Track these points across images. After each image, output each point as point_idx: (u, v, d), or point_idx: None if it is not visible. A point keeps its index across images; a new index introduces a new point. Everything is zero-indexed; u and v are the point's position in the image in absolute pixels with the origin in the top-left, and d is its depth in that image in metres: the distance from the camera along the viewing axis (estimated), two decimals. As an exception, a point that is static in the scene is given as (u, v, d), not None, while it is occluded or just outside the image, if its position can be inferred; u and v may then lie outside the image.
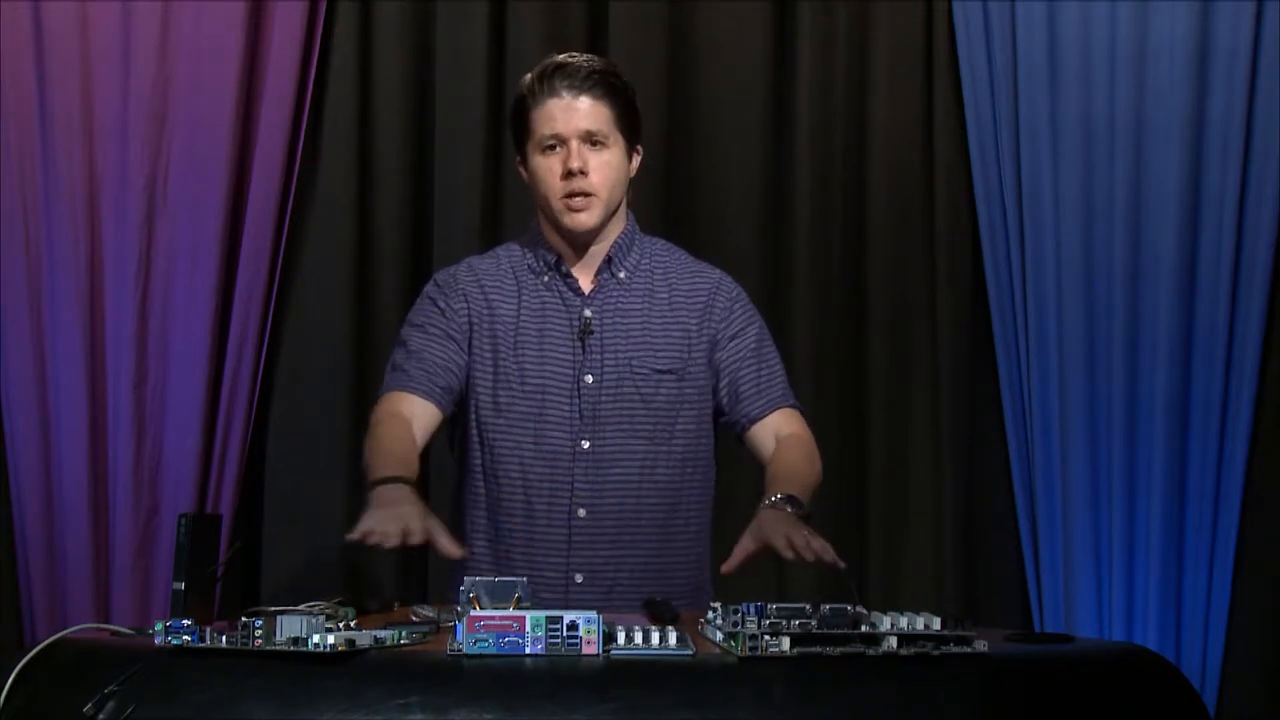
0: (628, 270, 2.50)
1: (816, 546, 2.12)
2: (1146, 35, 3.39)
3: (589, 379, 2.43)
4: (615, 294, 2.49)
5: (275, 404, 3.37)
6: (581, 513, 2.41)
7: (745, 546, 2.17)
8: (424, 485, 2.45)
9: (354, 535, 2.12)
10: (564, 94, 2.42)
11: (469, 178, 3.41)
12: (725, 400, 2.51)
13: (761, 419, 2.50)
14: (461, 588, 1.90)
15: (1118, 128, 3.39)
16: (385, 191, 3.42)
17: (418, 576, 3.39)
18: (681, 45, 3.50)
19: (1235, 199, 3.36)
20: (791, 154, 3.48)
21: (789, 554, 2.12)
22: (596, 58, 2.51)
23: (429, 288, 2.55)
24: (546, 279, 2.50)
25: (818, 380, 3.46)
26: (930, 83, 3.51)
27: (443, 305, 2.50)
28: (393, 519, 2.12)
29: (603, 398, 2.43)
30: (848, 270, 3.51)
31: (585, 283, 2.49)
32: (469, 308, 2.49)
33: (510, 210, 3.40)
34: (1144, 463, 3.37)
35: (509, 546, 2.42)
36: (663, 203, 3.42)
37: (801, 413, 2.56)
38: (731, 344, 2.51)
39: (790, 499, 2.28)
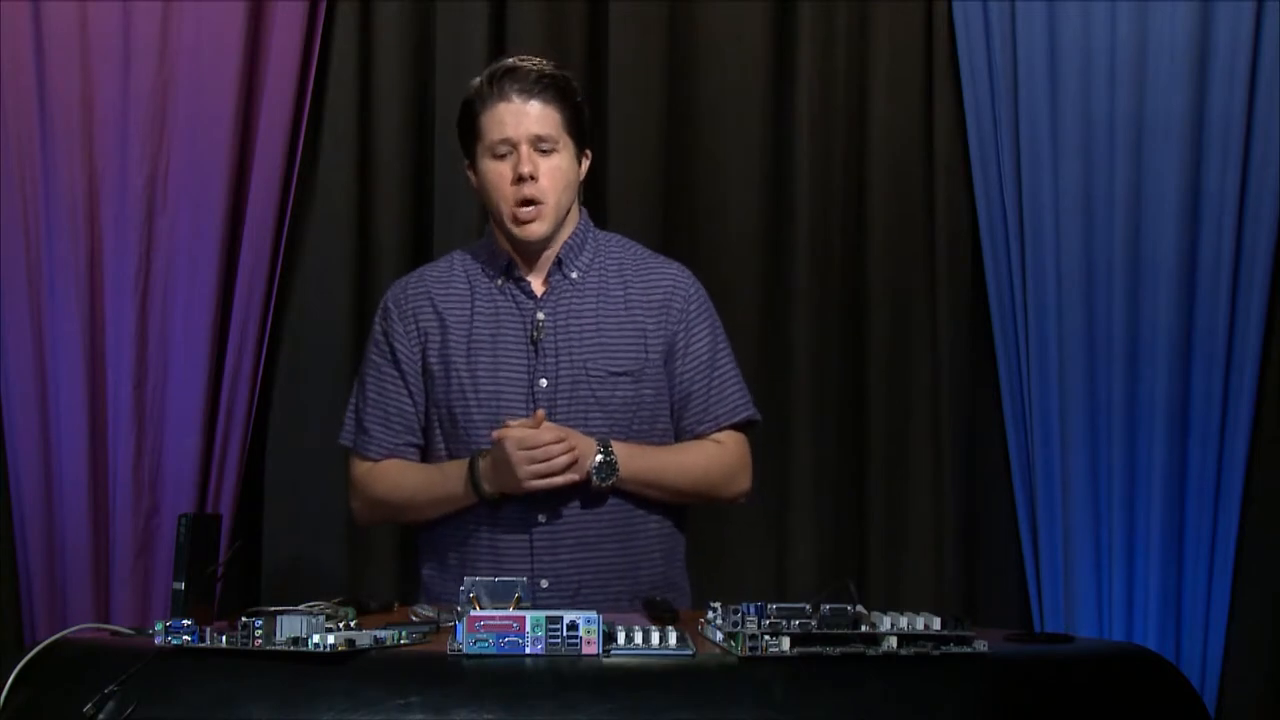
0: (580, 270, 2.49)
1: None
2: (1146, 35, 3.38)
3: (543, 383, 2.42)
4: (568, 295, 2.48)
5: (275, 404, 3.37)
6: (541, 518, 2.40)
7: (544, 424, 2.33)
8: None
9: (557, 478, 2.32)
10: (514, 98, 2.42)
11: (469, 177, 3.40)
12: (675, 409, 2.52)
13: (702, 436, 2.52)
14: (462, 588, 1.91)
15: (1118, 127, 3.39)
16: (385, 191, 3.41)
17: (418, 576, 3.38)
18: (681, 45, 3.49)
19: (1235, 199, 3.35)
20: (791, 154, 3.48)
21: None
22: (546, 61, 2.50)
23: (380, 313, 2.55)
24: (500, 283, 2.49)
25: (818, 379, 3.46)
26: (930, 83, 3.51)
27: (392, 343, 2.50)
28: (528, 457, 2.30)
29: (558, 401, 2.41)
30: (847, 270, 3.51)
31: (537, 285, 2.49)
32: (418, 327, 2.49)
33: (510, 210, 3.40)
34: (1144, 463, 3.37)
35: (475, 555, 2.42)
36: (662, 203, 3.42)
37: (749, 422, 2.55)
38: (685, 356, 2.50)
39: (606, 448, 2.36)
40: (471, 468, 2.38)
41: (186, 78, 3.23)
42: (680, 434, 2.52)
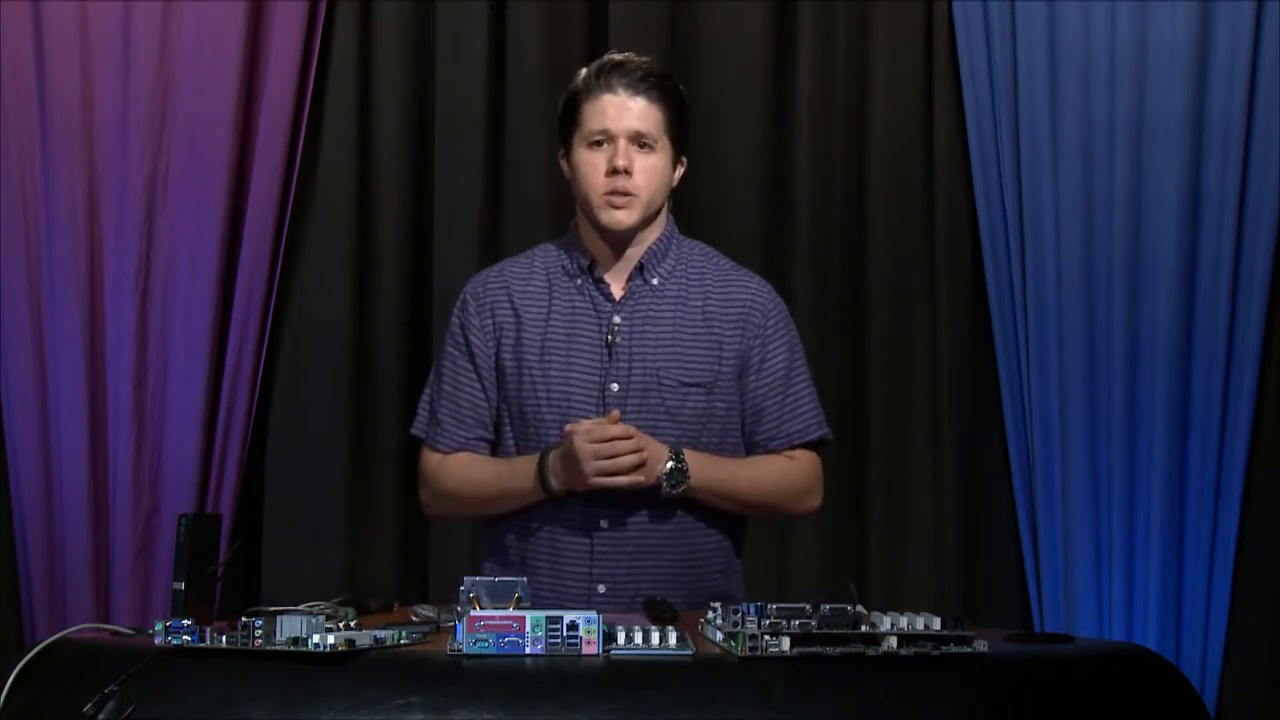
0: (661, 276, 2.47)
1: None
2: (1146, 35, 3.39)
3: (614, 387, 2.40)
4: (647, 301, 2.45)
5: (275, 404, 3.37)
6: (604, 523, 2.38)
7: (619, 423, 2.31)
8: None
9: (624, 478, 2.29)
10: (619, 91, 2.41)
11: (469, 178, 3.41)
12: (747, 424, 2.50)
13: (774, 453, 2.51)
14: (461, 588, 1.91)
15: (1118, 127, 3.39)
16: (385, 191, 3.41)
17: (418, 576, 3.39)
18: (681, 45, 3.49)
19: (1235, 199, 3.35)
20: (791, 154, 3.48)
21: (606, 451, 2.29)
22: (653, 61, 2.49)
23: (459, 305, 2.52)
24: (579, 282, 2.47)
25: (818, 379, 3.42)
26: (930, 83, 3.51)
27: (468, 336, 2.48)
28: (595, 452, 2.28)
29: (627, 407, 2.39)
30: (847, 270, 3.51)
31: (617, 288, 2.46)
32: (494, 321, 2.47)
33: (510, 210, 3.41)
34: (1144, 463, 3.37)
35: (535, 556, 2.41)
36: (662, 203, 3.41)
37: (823, 441, 2.54)
38: (760, 371, 2.48)
39: (678, 455, 2.34)
40: (541, 463, 2.36)
41: (186, 78, 3.24)
42: (751, 449, 2.50)
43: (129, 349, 3.20)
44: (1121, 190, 3.39)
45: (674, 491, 2.35)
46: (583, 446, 2.28)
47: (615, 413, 2.32)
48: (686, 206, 3.45)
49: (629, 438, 2.29)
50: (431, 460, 2.51)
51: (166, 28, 3.23)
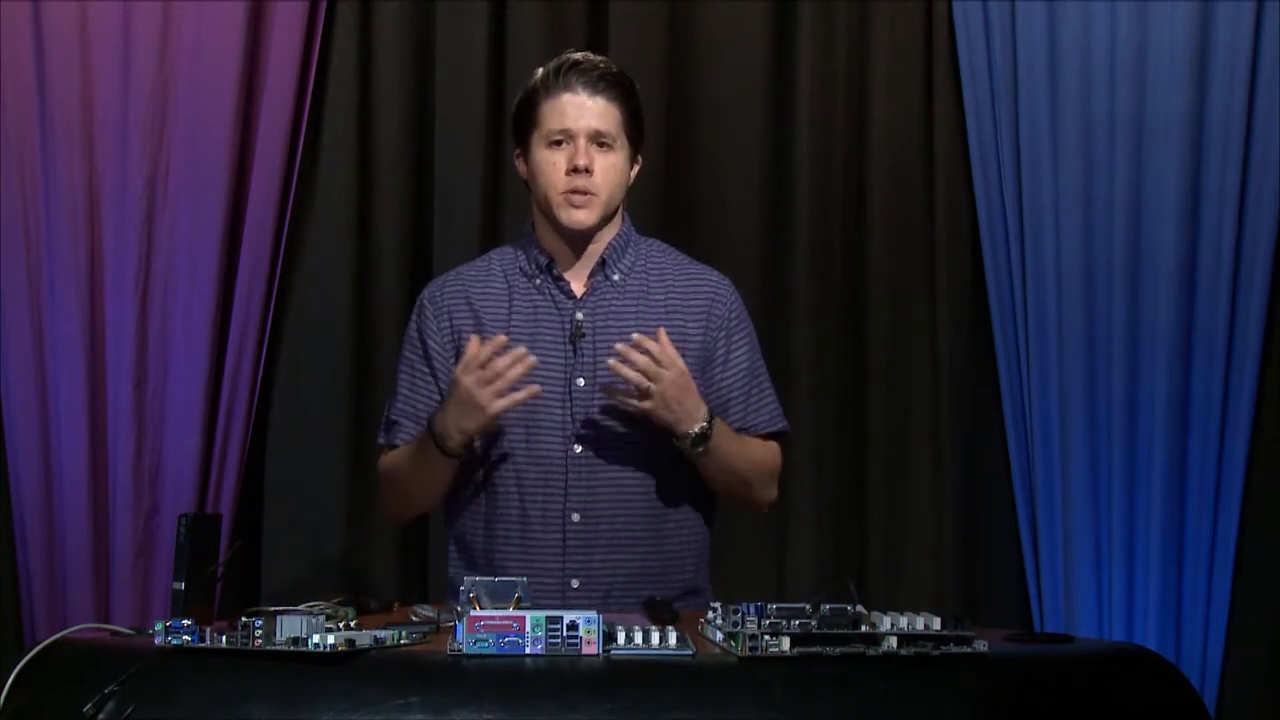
0: (621, 272, 2.49)
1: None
2: (1146, 35, 3.39)
3: (580, 382, 2.41)
4: (609, 296, 2.47)
5: (275, 404, 3.37)
6: (575, 517, 2.39)
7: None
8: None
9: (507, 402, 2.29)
10: (579, 90, 2.42)
11: (469, 178, 3.41)
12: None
13: None
14: (461, 587, 1.91)
15: (1118, 127, 3.39)
16: (385, 191, 3.41)
17: (418, 576, 3.39)
18: (681, 45, 3.49)
19: (1235, 198, 3.36)
20: (791, 154, 3.48)
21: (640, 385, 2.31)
22: (610, 60, 2.51)
23: (415, 311, 2.54)
24: (538, 282, 2.48)
25: (818, 380, 3.46)
26: (930, 83, 3.51)
27: (425, 340, 2.49)
28: (480, 379, 2.28)
29: (595, 401, 2.41)
30: (847, 270, 3.51)
31: (578, 285, 2.48)
32: (453, 325, 2.48)
33: (510, 210, 3.40)
34: (1144, 463, 3.37)
35: (505, 555, 2.41)
36: (662, 203, 3.42)
37: (784, 433, 2.56)
38: (726, 364, 2.49)
39: (710, 419, 2.35)
40: (430, 429, 2.35)
41: (186, 78, 3.23)
42: None
43: (129, 349, 3.20)
44: (1121, 190, 3.39)
45: (694, 449, 2.35)
46: (465, 379, 2.27)
47: (501, 337, 2.32)
48: (687, 207, 3.48)
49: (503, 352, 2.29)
50: (384, 453, 2.52)
51: (166, 28, 3.23)
